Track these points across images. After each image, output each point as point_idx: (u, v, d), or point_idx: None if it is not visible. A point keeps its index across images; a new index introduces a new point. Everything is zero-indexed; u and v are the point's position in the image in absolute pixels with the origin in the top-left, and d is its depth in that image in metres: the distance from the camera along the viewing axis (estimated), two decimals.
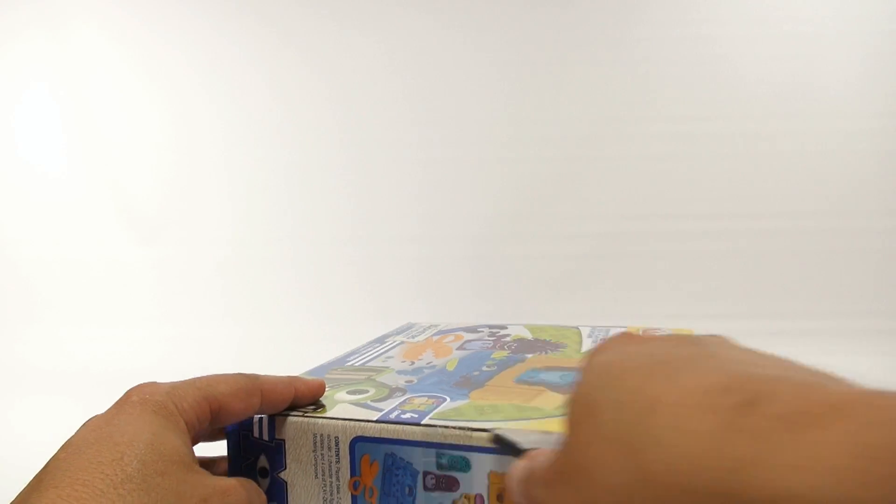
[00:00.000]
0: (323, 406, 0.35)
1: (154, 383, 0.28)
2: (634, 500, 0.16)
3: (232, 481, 0.26)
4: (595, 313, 0.82)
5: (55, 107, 0.91)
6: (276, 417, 0.33)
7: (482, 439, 0.31)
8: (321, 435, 0.33)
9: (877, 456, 0.13)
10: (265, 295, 0.89)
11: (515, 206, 0.87)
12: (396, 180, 0.89)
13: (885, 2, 0.82)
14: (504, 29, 0.87)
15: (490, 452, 0.31)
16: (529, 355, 0.44)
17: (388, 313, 0.78)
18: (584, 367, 0.20)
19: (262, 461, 0.34)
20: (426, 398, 0.35)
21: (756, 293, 0.83)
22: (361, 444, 0.33)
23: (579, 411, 0.19)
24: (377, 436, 0.32)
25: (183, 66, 0.91)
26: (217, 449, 0.34)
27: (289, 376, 0.33)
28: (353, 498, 0.33)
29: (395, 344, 0.50)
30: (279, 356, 0.58)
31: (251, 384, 0.30)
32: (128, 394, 0.27)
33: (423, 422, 0.32)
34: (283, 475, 0.34)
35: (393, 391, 0.37)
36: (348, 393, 0.37)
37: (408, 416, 0.33)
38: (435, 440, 0.32)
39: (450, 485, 0.32)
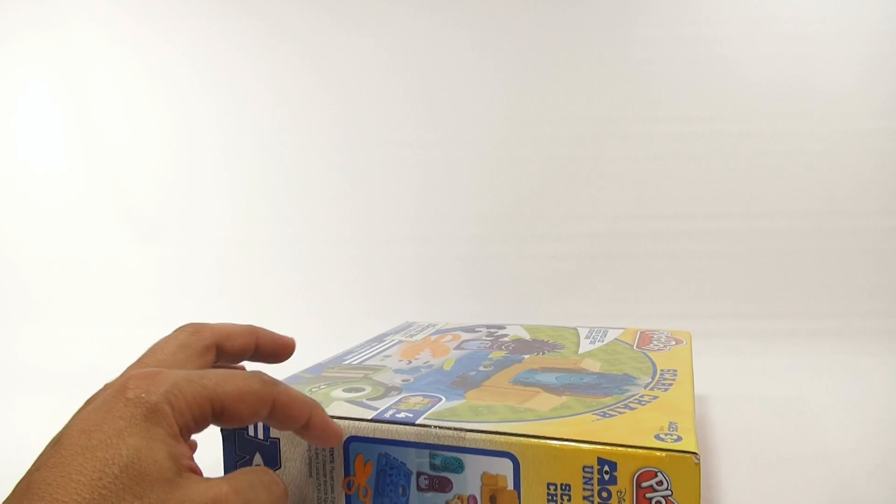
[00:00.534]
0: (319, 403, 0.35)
1: (157, 374, 0.26)
2: None
3: (224, 488, 0.25)
4: (595, 313, 0.82)
5: (55, 107, 0.91)
6: None
7: (476, 441, 0.31)
8: None
9: None
10: (265, 295, 0.89)
11: (515, 206, 0.87)
12: (396, 180, 0.89)
13: (886, 2, 0.81)
14: (504, 28, 0.87)
15: (483, 454, 0.31)
16: (526, 356, 0.44)
17: (386, 313, 0.78)
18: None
19: (257, 459, 0.35)
20: (421, 397, 0.35)
21: (756, 293, 0.83)
22: (356, 444, 0.33)
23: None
24: (371, 436, 0.33)
25: (183, 66, 0.91)
26: None
27: (311, 399, 0.30)
28: (347, 497, 0.33)
29: (393, 343, 0.50)
30: None
31: (265, 391, 0.28)
32: (125, 384, 0.25)
33: (417, 422, 0.32)
34: (277, 474, 0.34)
35: (389, 390, 0.37)
36: (344, 391, 0.37)
37: (402, 415, 0.33)
38: (428, 441, 0.32)
39: (443, 485, 0.32)
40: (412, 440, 0.32)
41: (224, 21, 0.90)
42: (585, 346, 0.46)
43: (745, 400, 0.59)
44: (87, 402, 0.28)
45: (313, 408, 0.30)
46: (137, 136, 0.91)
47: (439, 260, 0.87)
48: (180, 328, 0.33)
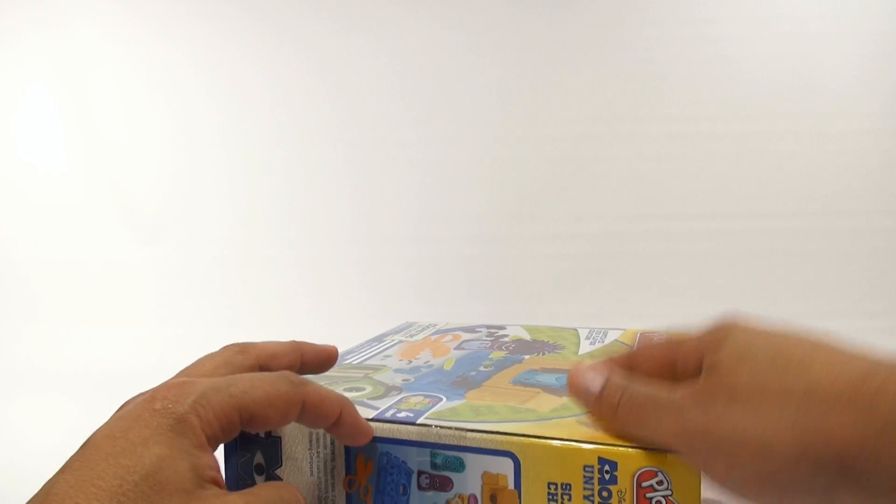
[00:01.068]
0: None
1: (185, 384, 0.26)
2: (801, 407, 0.24)
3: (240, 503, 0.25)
4: (595, 313, 0.82)
5: (55, 107, 0.91)
6: None
7: (477, 440, 0.31)
8: (317, 433, 0.33)
9: None
10: (264, 295, 0.89)
11: (516, 206, 0.87)
12: (395, 180, 0.89)
13: (886, 1, 0.82)
14: (505, 28, 0.87)
15: (484, 453, 0.31)
16: (527, 356, 0.43)
17: (386, 313, 0.78)
18: (725, 330, 0.28)
19: (259, 458, 0.35)
20: (422, 397, 0.35)
21: (756, 293, 0.83)
22: None
23: (734, 358, 0.26)
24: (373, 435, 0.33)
25: (183, 67, 0.91)
26: None
27: (341, 396, 0.30)
28: (348, 496, 0.33)
29: (393, 343, 0.50)
30: None
31: (293, 393, 0.28)
32: (154, 395, 0.25)
33: (418, 421, 0.32)
34: (278, 472, 0.34)
35: (389, 389, 0.37)
36: (345, 390, 0.37)
37: (403, 415, 0.33)
38: (429, 440, 0.32)
39: (443, 484, 0.32)
40: (413, 439, 0.32)
41: (224, 21, 0.90)
42: (585, 346, 0.46)
43: None
44: (118, 410, 0.28)
45: (344, 405, 0.30)
46: (137, 136, 0.91)
47: (439, 260, 0.87)
48: (227, 346, 0.33)
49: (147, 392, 0.26)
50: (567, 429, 0.30)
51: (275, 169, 0.90)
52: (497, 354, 0.44)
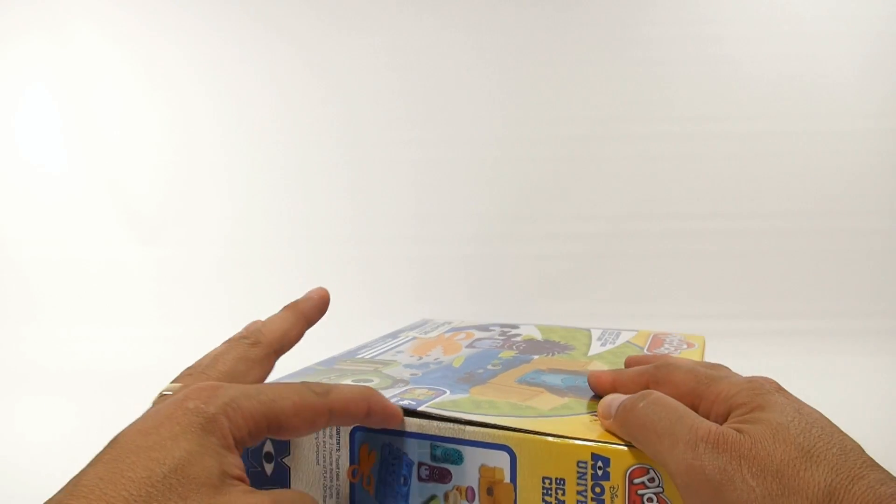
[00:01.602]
0: None
1: (217, 387, 0.27)
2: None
3: (266, 500, 0.25)
4: (595, 313, 0.82)
5: (55, 107, 0.91)
6: None
7: (475, 434, 0.31)
8: None
9: None
10: (265, 294, 0.89)
11: (517, 205, 0.87)
12: (395, 180, 0.89)
13: (886, 1, 0.82)
14: (505, 29, 0.87)
15: (482, 447, 0.32)
16: (536, 356, 0.44)
17: (386, 313, 0.78)
18: (766, 396, 0.27)
19: (268, 446, 0.35)
20: (426, 389, 0.36)
21: (756, 293, 0.83)
22: (361, 434, 0.34)
23: (771, 432, 0.25)
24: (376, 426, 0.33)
25: (183, 67, 0.91)
26: None
27: (364, 389, 0.31)
28: (352, 485, 0.34)
29: (407, 339, 0.50)
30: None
31: (319, 402, 0.29)
32: (187, 395, 0.26)
33: (419, 409, 0.32)
34: (286, 461, 0.35)
35: (396, 382, 0.37)
36: (352, 381, 0.38)
37: (406, 402, 0.33)
38: (430, 433, 0.32)
39: (442, 476, 0.32)
40: (415, 431, 0.32)
41: (224, 21, 0.90)
42: (596, 347, 0.46)
43: None
44: (149, 408, 0.28)
45: (370, 398, 0.30)
46: (137, 136, 0.91)
47: (439, 259, 0.87)
48: (237, 340, 0.34)
49: (180, 392, 0.27)
50: (563, 425, 0.31)
51: (274, 169, 0.90)
52: (507, 354, 0.44)
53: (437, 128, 0.88)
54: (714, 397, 0.28)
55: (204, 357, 0.34)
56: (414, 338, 0.51)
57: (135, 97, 0.91)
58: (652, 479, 0.29)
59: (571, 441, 0.30)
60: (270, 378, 0.39)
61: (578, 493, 0.30)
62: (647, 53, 0.85)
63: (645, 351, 0.46)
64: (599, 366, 0.42)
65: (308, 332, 0.64)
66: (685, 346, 0.49)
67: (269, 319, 0.36)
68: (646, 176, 0.86)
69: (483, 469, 0.31)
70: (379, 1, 0.88)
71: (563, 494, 0.30)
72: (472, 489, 0.31)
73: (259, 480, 0.35)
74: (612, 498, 0.29)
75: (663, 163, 0.85)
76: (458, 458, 0.32)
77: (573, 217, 0.86)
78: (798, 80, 0.83)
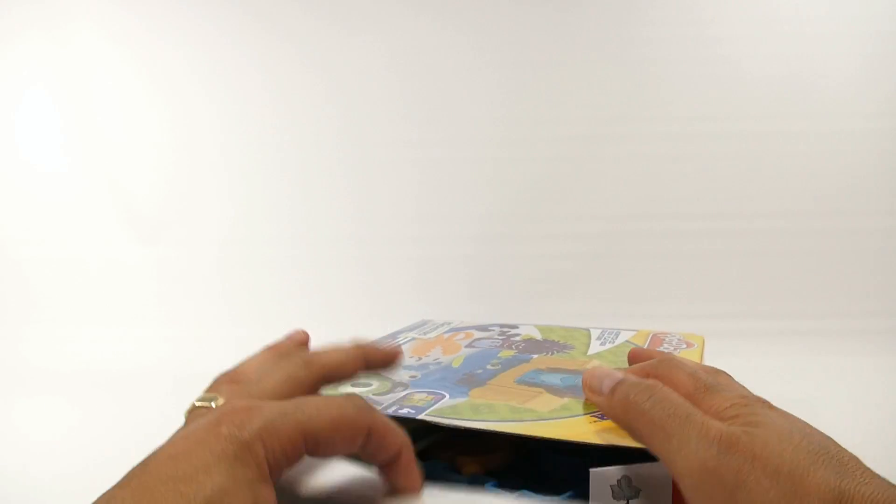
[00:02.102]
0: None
1: (252, 409, 0.25)
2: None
3: None
4: (595, 313, 0.82)
5: (55, 107, 0.91)
6: None
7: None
8: None
9: None
10: (265, 295, 0.89)
11: (517, 205, 0.87)
12: (396, 180, 0.89)
13: (886, 1, 0.82)
14: (504, 28, 0.87)
15: None
16: (535, 356, 0.44)
17: (387, 313, 0.78)
18: (759, 406, 0.28)
19: None
20: (426, 394, 0.36)
21: (756, 293, 0.83)
22: None
23: (777, 436, 0.25)
24: None
25: (183, 66, 0.91)
26: None
27: (403, 435, 0.29)
28: None
29: (407, 340, 0.50)
30: None
31: (360, 418, 0.27)
32: (220, 418, 0.25)
33: (418, 417, 0.32)
34: None
35: (395, 385, 0.37)
36: (353, 385, 0.38)
37: (405, 411, 0.33)
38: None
39: None
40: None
41: (224, 21, 0.90)
42: (595, 347, 0.46)
43: None
44: (181, 429, 0.27)
45: (405, 444, 0.29)
46: (137, 136, 0.91)
47: (439, 260, 0.87)
48: (292, 357, 0.32)
49: (213, 413, 0.26)
50: (561, 430, 0.31)
51: (275, 169, 0.90)
52: (506, 353, 0.44)
53: (436, 128, 0.88)
54: (707, 408, 0.28)
55: (246, 365, 0.33)
56: (413, 338, 0.51)
57: (135, 97, 0.91)
58: None
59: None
60: None
61: None
62: (648, 53, 0.85)
63: None
64: (598, 365, 0.42)
65: (310, 332, 0.64)
66: (684, 346, 0.49)
67: (331, 346, 0.34)
68: (647, 176, 0.86)
69: None
70: (380, 1, 0.88)
71: None
72: None
73: None
74: None
75: (664, 163, 0.85)
76: None
77: (573, 217, 0.86)
78: (798, 80, 0.83)
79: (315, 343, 0.42)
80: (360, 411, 0.28)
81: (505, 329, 0.53)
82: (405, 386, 0.37)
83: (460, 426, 0.31)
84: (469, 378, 0.39)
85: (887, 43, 0.81)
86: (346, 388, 0.37)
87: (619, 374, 0.30)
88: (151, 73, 0.91)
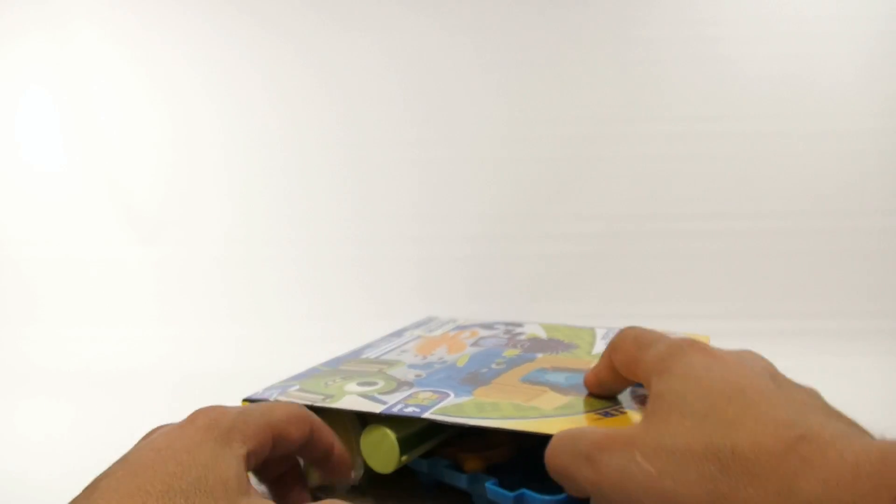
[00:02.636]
0: (332, 396, 0.35)
1: (222, 408, 0.28)
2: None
3: None
4: (595, 313, 0.82)
5: (55, 107, 0.91)
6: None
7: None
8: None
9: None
10: (265, 295, 0.89)
11: (518, 205, 0.87)
12: (396, 180, 0.89)
13: (886, 1, 0.82)
14: (505, 28, 0.87)
15: None
16: (539, 355, 0.44)
17: (387, 313, 0.78)
18: (671, 368, 0.26)
19: None
20: (431, 393, 0.36)
21: (756, 293, 0.83)
22: None
23: (666, 405, 0.25)
24: None
25: (183, 67, 0.91)
26: None
27: (332, 433, 0.32)
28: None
29: (412, 338, 0.50)
30: (280, 356, 0.58)
31: (305, 413, 0.30)
32: (195, 415, 0.27)
33: (423, 415, 0.32)
34: None
35: (400, 385, 0.37)
36: (358, 384, 0.38)
37: (410, 409, 0.33)
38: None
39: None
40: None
41: (224, 21, 0.90)
42: (600, 346, 0.46)
43: None
44: (150, 433, 0.28)
45: (336, 440, 0.32)
46: (137, 136, 0.91)
47: (440, 260, 0.87)
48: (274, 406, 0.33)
49: (185, 418, 0.27)
50: (566, 425, 0.31)
51: (275, 169, 0.90)
52: (511, 352, 0.44)
53: (437, 128, 0.88)
54: (644, 364, 0.29)
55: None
56: (419, 336, 0.51)
57: (135, 97, 0.91)
58: None
59: None
60: (278, 373, 0.39)
61: None
62: (648, 53, 0.85)
63: None
64: None
65: (309, 332, 0.64)
66: None
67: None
68: (647, 176, 0.86)
69: None
70: (380, 1, 0.88)
71: None
72: None
73: None
74: None
75: (665, 163, 0.85)
76: None
77: (574, 217, 0.86)
78: (798, 80, 0.83)
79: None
80: (302, 408, 0.30)
81: (510, 327, 0.53)
82: (410, 384, 0.38)
83: (465, 424, 0.32)
84: (474, 377, 0.39)
85: (887, 43, 0.81)
86: (352, 386, 0.37)
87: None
88: (151, 73, 0.91)
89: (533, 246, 0.86)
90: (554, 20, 0.86)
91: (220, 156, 0.91)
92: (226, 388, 0.42)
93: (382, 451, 0.32)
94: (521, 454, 0.34)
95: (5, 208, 0.92)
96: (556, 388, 0.36)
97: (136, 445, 0.26)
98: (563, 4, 0.86)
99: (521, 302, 0.85)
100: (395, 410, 0.33)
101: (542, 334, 0.50)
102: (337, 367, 0.43)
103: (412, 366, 0.42)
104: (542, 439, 0.29)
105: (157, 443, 0.25)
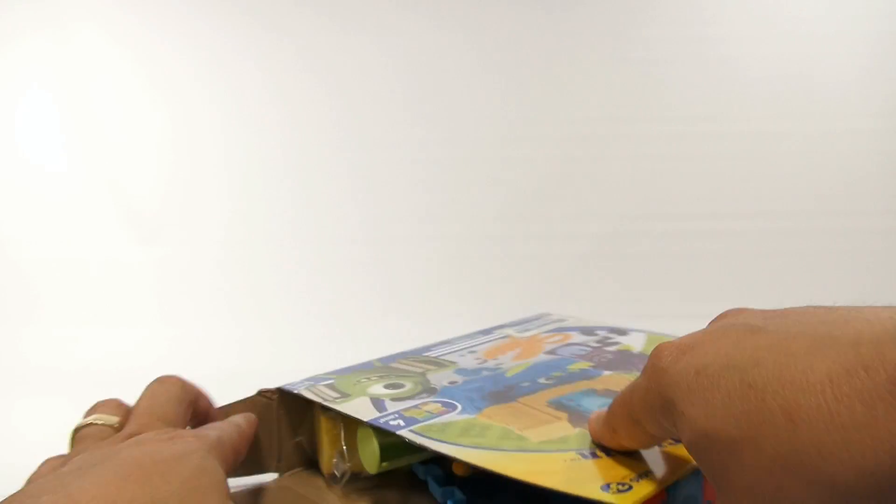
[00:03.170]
0: (348, 396, 0.35)
1: (194, 430, 0.29)
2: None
3: None
4: (595, 313, 0.82)
5: (55, 107, 0.91)
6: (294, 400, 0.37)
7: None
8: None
9: None
10: (265, 295, 0.89)
11: (518, 206, 0.87)
12: (397, 180, 0.89)
13: (886, 1, 0.81)
14: (506, 29, 0.87)
15: None
16: (606, 373, 0.38)
17: (388, 313, 0.78)
18: (708, 335, 0.23)
19: None
20: (438, 405, 0.34)
21: (756, 293, 0.83)
22: None
23: (697, 376, 0.21)
24: None
25: (183, 66, 0.91)
26: None
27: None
28: None
29: (498, 337, 0.46)
30: (280, 356, 0.58)
31: (181, 393, 0.33)
32: (172, 437, 0.27)
33: (398, 432, 0.31)
34: None
35: (422, 392, 0.36)
36: (384, 386, 0.37)
37: (395, 422, 0.32)
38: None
39: None
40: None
41: (224, 21, 0.90)
42: None
43: None
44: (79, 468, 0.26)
45: (214, 411, 0.35)
46: (137, 136, 0.91)
47: (441, 260, 0.87)
48: (165, 382, 0.34)
49: (158, 435, 0.28)
50: (520, 465, 0.27)
51: (276, 169, 0.90)
52: (577, 366, 0.39)
53: (438, 128, 0.88)
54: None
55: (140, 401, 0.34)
56: (506, 336, 0.47)
57: (135, 97, 0.91)
58: None
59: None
60: (279, 373, 0.39)
61: None
62: (648, 53, 0.85)
63: None
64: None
65: (312, 334, 0.64)
66: None
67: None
68: (647, 176, 0.85)
69: None
70: (381, 1, 0.88)
71: None
72: None
73: None
74: None
75: (666, 163, 0.85)
76: None
77: (574, 217, 0.86)
78: (798, 80, 0.83)
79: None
80: (183, 390, 0.32)
81: (610, 334, 0.47)
82: (433, 391, 0.36)
83: (426, 447, 0.30)
84: (504, 393, 0.36)
85: (887, 43, 0.81)
86: (377, 388, 0.37)
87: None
88: (151, 73, 0.91)
89: (532, 246, 0.86)
90: (555, 21, 0.86)
91: (220, 156, 0.91)
92: (226, 388, 0.41)
93: (368, 454, 0.33)
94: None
95: (6, 208, 0.92)
96: (577, 415, 0.32)
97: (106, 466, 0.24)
98: (563, 5, 0.86)
99: (522, 301, 0.85)
100: (381, 422, 0.32)
101: (639, 346, 0.43)
102: (388, 364, 0.41)
103: (460, 370, 0.39)
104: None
105: (139, 457, 0.24)
